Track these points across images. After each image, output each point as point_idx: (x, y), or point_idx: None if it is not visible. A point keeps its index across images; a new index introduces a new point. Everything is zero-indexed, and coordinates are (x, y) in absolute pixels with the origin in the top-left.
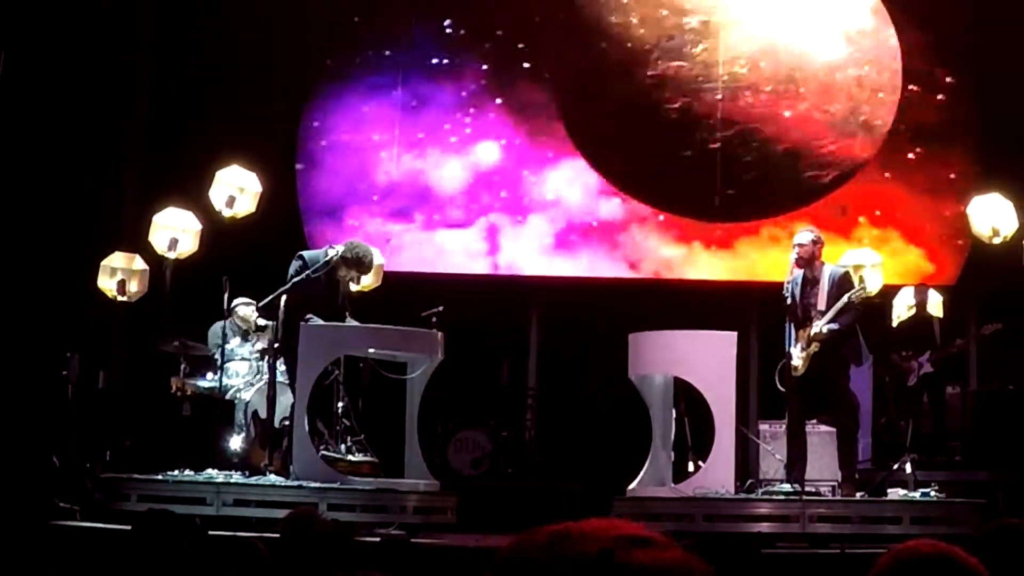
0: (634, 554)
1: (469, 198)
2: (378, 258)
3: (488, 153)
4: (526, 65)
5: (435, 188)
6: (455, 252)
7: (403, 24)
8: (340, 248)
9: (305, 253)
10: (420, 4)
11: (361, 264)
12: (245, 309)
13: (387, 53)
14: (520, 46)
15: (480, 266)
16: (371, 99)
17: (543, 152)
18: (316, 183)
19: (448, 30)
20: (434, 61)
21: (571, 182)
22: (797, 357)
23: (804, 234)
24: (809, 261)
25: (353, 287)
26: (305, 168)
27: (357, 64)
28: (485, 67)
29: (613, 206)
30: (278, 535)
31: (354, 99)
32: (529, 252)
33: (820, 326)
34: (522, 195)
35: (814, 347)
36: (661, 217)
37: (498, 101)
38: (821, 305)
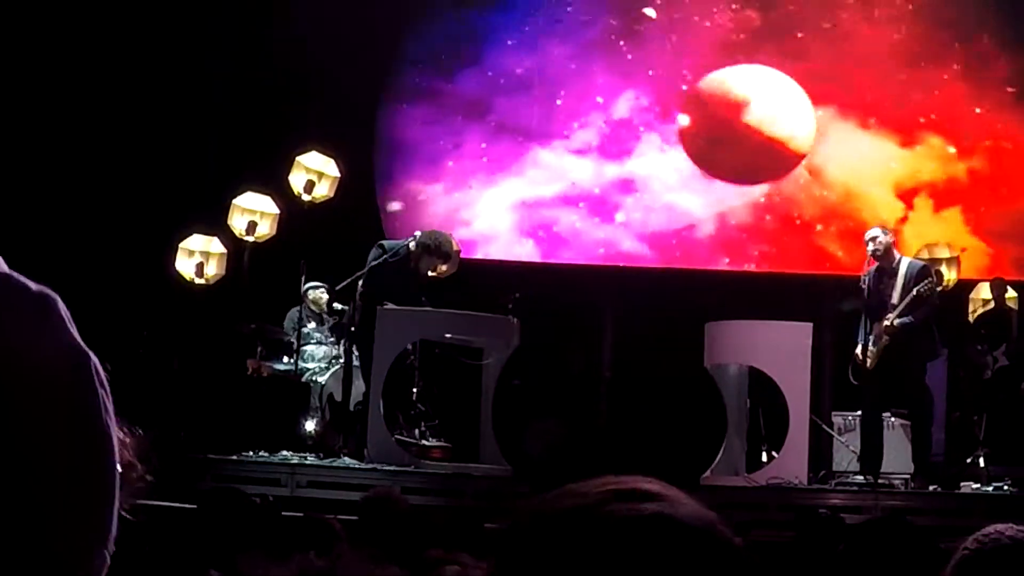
0: (614, 508)
1: None
2: (454, 245)
3: None
4: None
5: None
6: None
7: None
8: (419, 236)
9: (385, 243)
10: None
11: (440, 252)
12: (315, 292)
13: None
14: None
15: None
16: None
17: None
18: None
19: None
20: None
21: None
22: (869, 350)
23: (874, 230)
24: (885, 254)
25: (430, 273)
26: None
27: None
28: None
29: None
30: (355, 516)
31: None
32: None
33: (892, 319)
34: None
35: (885, 340)
36: None
37: None
38: (895, 299)
